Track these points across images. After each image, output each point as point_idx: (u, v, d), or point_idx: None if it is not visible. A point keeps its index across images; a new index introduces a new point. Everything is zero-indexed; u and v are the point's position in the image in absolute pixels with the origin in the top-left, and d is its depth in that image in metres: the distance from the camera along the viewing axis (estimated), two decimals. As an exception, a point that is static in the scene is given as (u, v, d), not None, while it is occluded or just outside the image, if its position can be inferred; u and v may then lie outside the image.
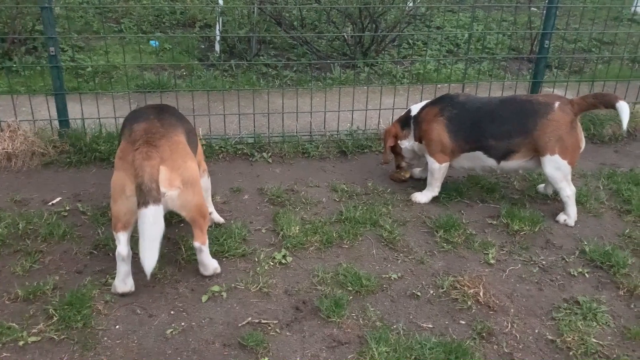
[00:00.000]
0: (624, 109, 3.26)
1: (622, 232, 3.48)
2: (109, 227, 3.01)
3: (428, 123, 3.66)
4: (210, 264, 2.93)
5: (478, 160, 3.61)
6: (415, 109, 3.82)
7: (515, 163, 3.54)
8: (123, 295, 2.77)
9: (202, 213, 2.81)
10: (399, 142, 3.88)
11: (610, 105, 3.32)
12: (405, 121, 3.85)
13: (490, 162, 3.57)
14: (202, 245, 2.84)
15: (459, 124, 3.56)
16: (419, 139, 3.76)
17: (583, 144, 3.50)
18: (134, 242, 2.70)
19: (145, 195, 2.48)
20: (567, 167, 3.41)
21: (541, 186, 3.95)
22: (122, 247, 2.69)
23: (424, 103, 3.81)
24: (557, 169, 3.42)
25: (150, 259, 2.50)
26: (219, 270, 2.96)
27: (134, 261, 2.74)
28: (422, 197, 3.77)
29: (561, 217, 3.56)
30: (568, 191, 3.48)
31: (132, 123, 2.85)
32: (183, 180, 2.68)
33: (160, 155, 2.62)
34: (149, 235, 2.49)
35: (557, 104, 3.40)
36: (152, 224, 2.48)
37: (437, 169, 3.67)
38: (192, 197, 2.73)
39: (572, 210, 3.53)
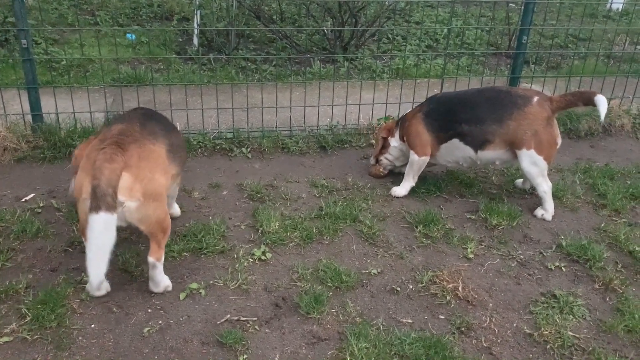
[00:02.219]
0: (601, 101, 3.30)
1: (597, 226, 3.53)
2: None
3: (408, 120, 3.77)
4: (162, 281, 2.72)
5: (457, 150, 3.63)
6: (407, 111, 3.92)
7: (492, 153, 3.56)
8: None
9: (163, 228, 2.60)
10: (389, 138, 3.95)
11: (589, 101, 3.35)
12: (398, 121, 3.94)
13: (469, 150, 3.59)
14: (156, 262, 2.62)
15: (435, 115, 3.65)
16: (402, 137, 3.82)
17: (559, 141, 3.53)
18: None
19: (98, 200, 2.28)
20: (543, 162, 3.45)
21: (519, 181, 3.99)
22: None
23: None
24: (533, 165, 3.45)
25: (96, 272, 2.31)
26: (170, 288, 2.76)
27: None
28: (400, 189, 3.79)
29: (539, 212, 3.60)
30: (545, 186, 3.52)
31: (114, 123, 2.71)
32: (145, 192, 2.46)
33: (125, 160, 2.43)
34: (95, 245, 2.29)
35: (536, 98, 3.43)
36: (100, 232, 2.28)
37: (416, 161, 3.71)
38: (153, 212, 2.51)
39: (550, 205, 3.57)
